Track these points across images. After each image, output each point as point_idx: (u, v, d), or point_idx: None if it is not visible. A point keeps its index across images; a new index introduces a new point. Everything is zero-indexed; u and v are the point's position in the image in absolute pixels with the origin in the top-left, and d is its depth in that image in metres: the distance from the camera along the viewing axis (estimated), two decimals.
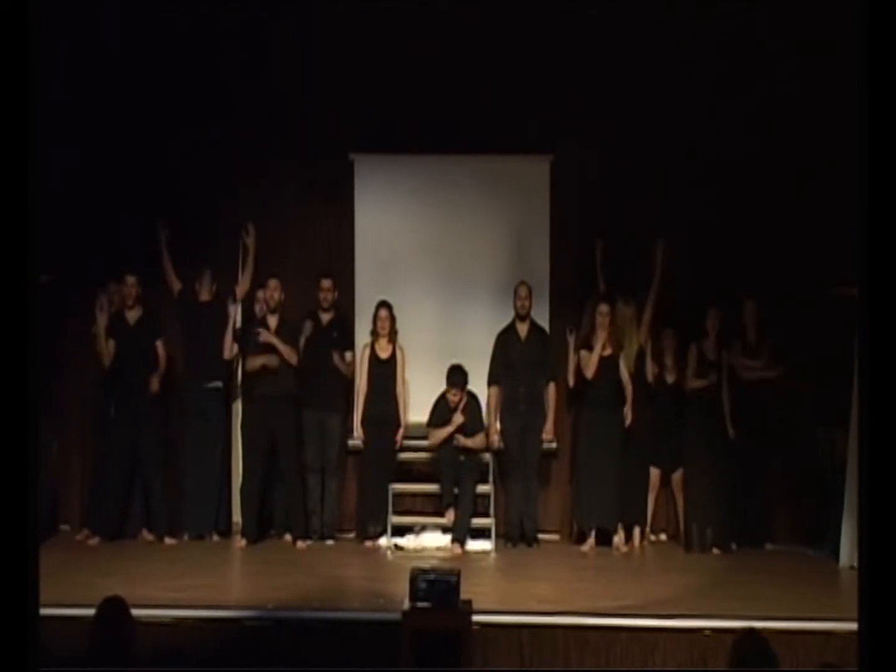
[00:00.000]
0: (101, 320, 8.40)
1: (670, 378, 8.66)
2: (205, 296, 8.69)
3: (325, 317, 8.73)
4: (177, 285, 8.69)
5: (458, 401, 8.46)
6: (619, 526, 8.49)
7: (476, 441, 8.49)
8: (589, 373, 8.38)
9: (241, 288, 8.71)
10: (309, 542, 8.44)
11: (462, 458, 8.51)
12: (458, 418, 8.43)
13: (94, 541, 8.35)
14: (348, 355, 8.71)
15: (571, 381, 8.65)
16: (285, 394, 8.43)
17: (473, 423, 8.51)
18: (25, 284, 3.69)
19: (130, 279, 8.47)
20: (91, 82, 8.81)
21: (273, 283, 8.49)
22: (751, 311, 8.68)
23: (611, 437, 8.41)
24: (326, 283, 8.68)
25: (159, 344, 8.53)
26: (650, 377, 8.63)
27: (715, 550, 8.33)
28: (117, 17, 8.67)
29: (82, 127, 8.77)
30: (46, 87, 6.61)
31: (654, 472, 8.71)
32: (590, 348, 8.43)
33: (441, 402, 8.55)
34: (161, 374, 8.49)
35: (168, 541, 8.44)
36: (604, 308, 8.41)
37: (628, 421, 8.41)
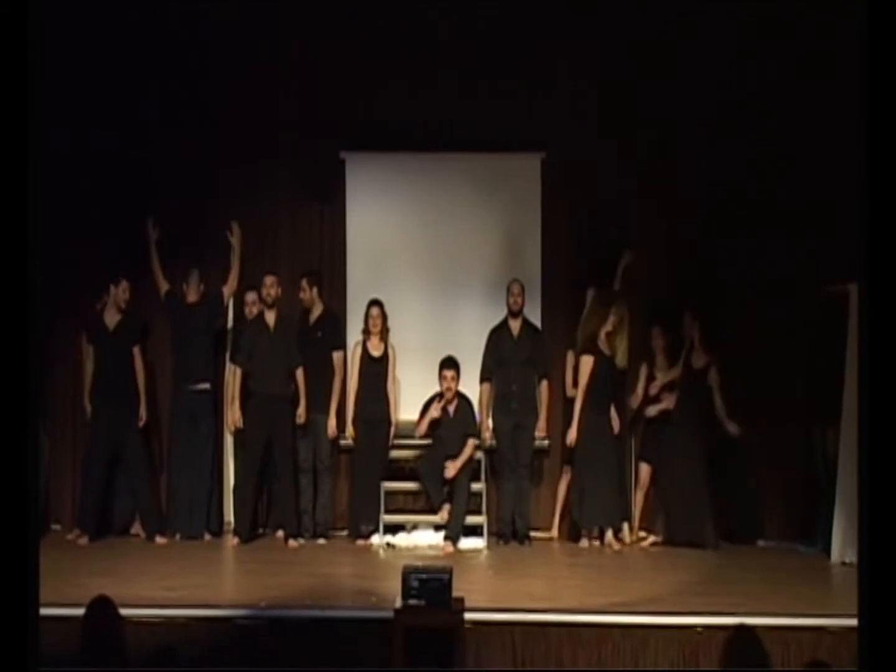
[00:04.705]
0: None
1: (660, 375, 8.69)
2: (192, 297, 8.65)
3: (312, 315, 8.72)
4: (164, 286, 8.66)
5: (452, 390, 8.40)
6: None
7: (463, 457, 8.39)
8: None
9: (229, 287, 8.70)
10: (301, 541, 8.43)
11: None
12: (435, 412, 8.39)
13: (83, 540, 8.33)
14: (337, 354, 8.69)
15: (570, 381, 8.65)
16: (280, 393, 8.42)
17: (465, 425, 8.48)
18: (25, 285, 3.68)
19: (124, 284, 8.43)
20: (78, 81, 8.77)
21: (270, 279, 8.47)
22: (690, 325, 8.51)
23: (607, 435, 8.42)
24: (302, 281, 8.65)
25: (136, 351, 8.48)
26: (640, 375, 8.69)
27: (707, 547, 8.33)
28: (106, 18, 8.65)
29: (68, 127, 8.69)
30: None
31: (645, 469, 8.72)
32: (593, 352, 8.43)
33: (431, 404, 8.51)
34: (142, 391, 8.45)
35: (159, 540, 8.41)
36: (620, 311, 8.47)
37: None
